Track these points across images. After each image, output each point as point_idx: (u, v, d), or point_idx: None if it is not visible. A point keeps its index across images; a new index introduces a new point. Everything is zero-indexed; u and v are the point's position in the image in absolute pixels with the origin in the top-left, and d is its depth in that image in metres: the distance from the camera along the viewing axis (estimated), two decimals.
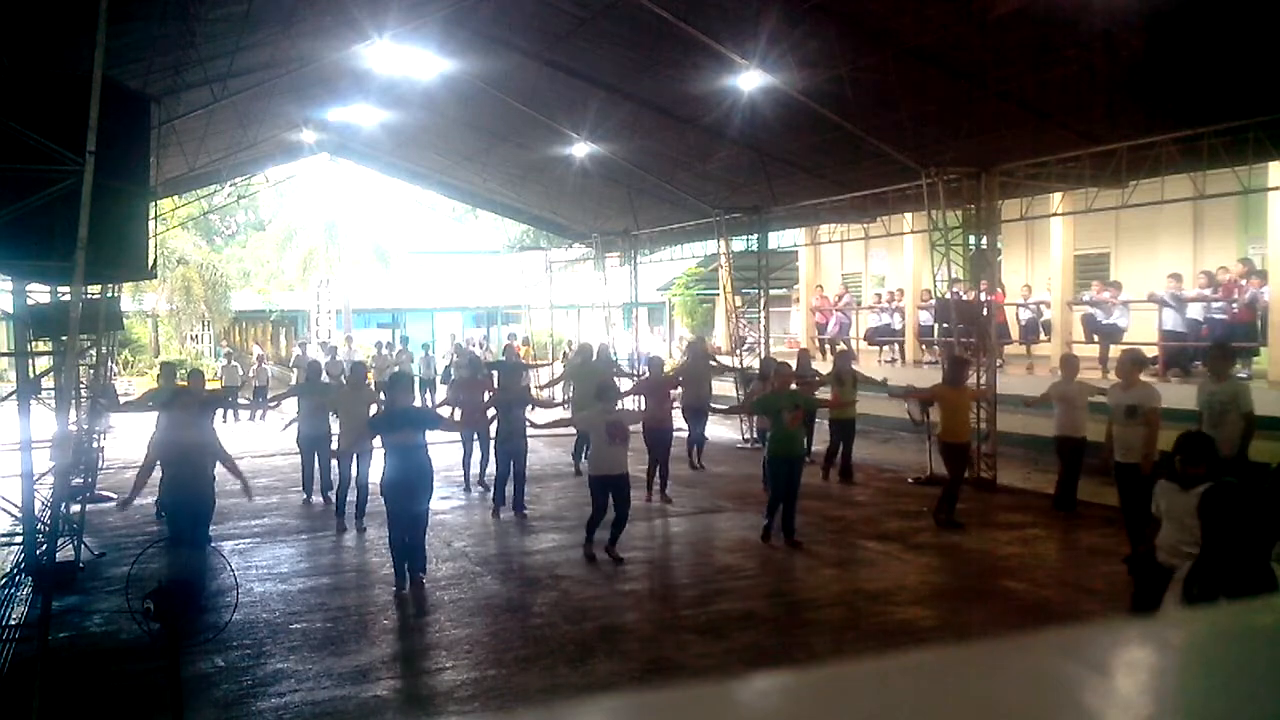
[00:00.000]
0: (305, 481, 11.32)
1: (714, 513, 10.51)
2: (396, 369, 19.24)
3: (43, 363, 9.45)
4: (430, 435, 7.97)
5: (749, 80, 10.98)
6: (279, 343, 35.06)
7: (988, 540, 9.08)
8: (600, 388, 8.86)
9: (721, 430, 16.15)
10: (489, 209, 25.31)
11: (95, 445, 12.37)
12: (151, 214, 7.87)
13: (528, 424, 10.13)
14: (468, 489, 11.77)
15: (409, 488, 7.59)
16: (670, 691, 0.67)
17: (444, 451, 13.85)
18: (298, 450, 11.32)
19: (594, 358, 13.51)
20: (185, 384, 10.99)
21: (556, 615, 7.06)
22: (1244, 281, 12.23)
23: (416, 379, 22.74)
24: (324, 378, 12.68)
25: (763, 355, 15.85)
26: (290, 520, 10.51)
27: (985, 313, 12.36)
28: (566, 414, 10.75)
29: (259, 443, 15.83)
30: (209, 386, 12.61)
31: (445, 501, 11.28)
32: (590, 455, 8.94)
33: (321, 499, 11.03)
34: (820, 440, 12.55)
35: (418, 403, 15.13)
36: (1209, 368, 8.55)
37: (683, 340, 16.49)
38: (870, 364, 17.95)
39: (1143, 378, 8.55)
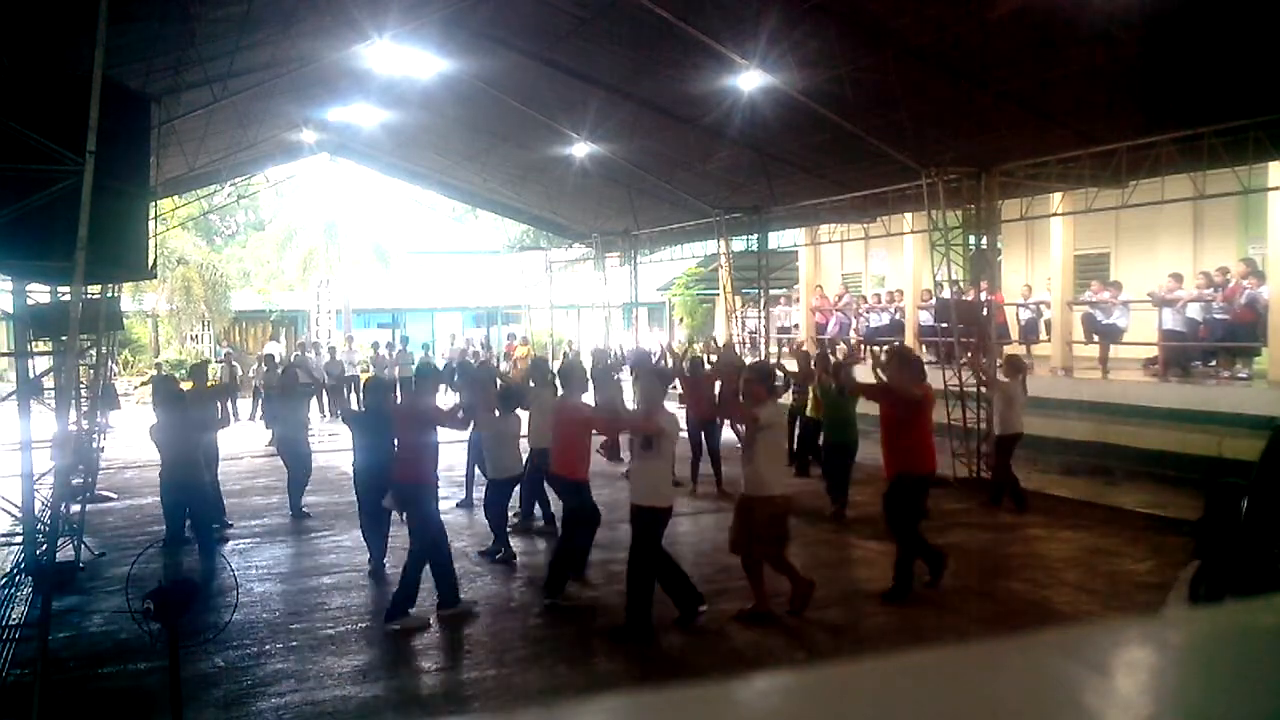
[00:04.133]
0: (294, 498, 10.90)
1: (715, 513, 10.51)
2: (362, 369, 19.03)
3: (43, 363, 9.45)
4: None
5: (749, 80, 10.97)
6: (278, 342, 35.05)
7: (988, 540, 9.08)
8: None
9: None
10: (489, 209, 25.31)
11: (95, 445, 12.36)
12: (151, 214, 7.87)
13: None
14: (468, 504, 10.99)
15: (374, 482, 7.89)
16: (670, 691, 0.67)
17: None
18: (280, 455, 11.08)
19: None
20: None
21: (556, 615, 7.06)
22: (1245, 282, 12.23)
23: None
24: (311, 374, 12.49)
25: (762, 355, 15.84)
26: (290, 520, 10.51)
27: (985, 313, 12.36)
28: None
29: (259, 443, 15.83)
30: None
31: (446, 502, 11.27)
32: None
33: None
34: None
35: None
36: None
37: (712, 345, 16.18)
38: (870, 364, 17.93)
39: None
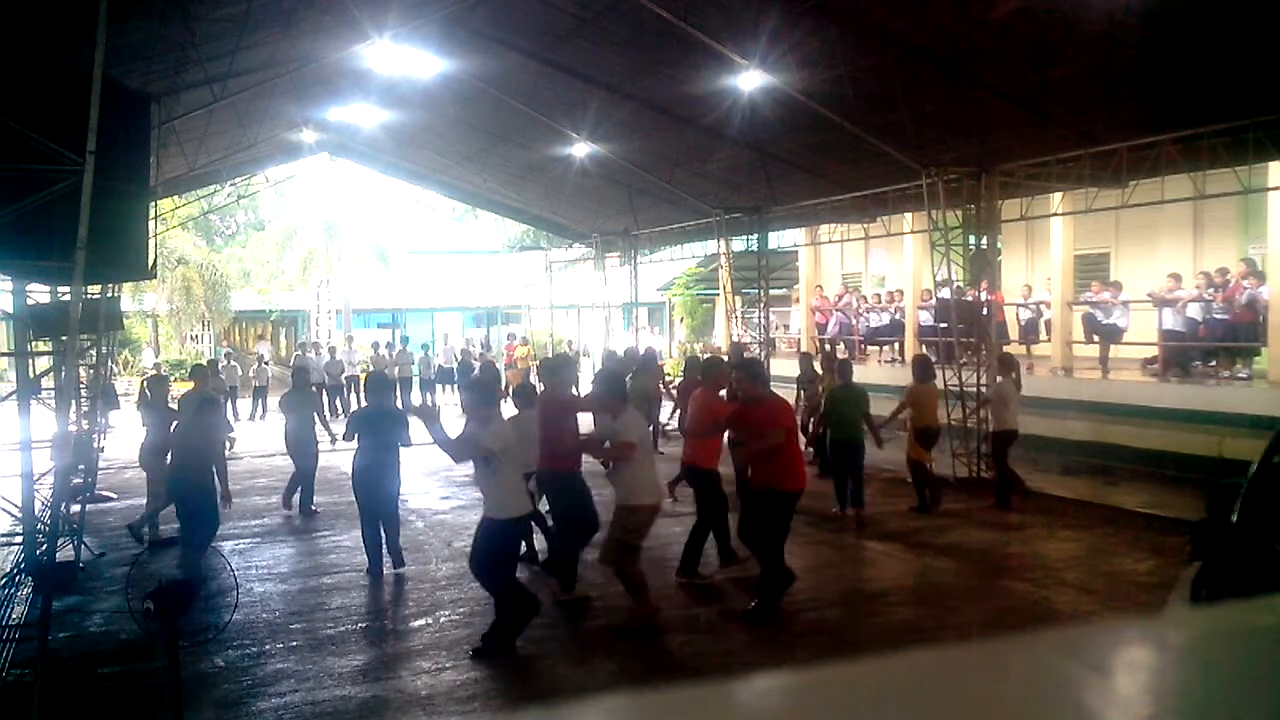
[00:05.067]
0: (289, 491, 10.87)
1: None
2: (362, 369, 18.92)
3: (43, 363, 9.45)
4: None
5: (749, 80, 10.97)
6: (279, 343, 35.09)
7: (988, 540, 9.08)
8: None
9: None
10: (489, 209, 25.32)
11: (95, 445, 12.36)
12: (151, 214, 7.88)
13: None
14: None
15: (376, 482, 8.04)
16: (670, 691, 0.67)
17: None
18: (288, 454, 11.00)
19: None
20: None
21: (557, 615, 7.05)
22: (1245, 282, 12.23)
23: (416, 379, 22.77)
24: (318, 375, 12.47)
25: (761, 356, 15.83)
26: (290, 520, 10.51)
27: (985, 313, 12.36)
28: None
29: (259, 443, 15.83)
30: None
31: (445, 501, 11.29)
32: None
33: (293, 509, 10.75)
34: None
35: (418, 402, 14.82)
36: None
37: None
38: (871, 364, 17.95)
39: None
